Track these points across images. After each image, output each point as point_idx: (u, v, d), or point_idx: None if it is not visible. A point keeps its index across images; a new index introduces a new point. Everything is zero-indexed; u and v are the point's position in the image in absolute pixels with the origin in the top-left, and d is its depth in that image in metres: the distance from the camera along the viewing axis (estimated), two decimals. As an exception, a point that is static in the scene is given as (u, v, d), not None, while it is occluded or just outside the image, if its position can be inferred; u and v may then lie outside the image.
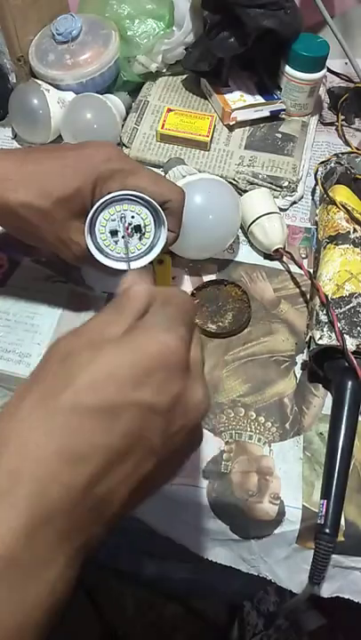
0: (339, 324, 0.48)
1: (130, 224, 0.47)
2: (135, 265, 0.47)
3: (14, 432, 0.24)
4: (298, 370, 0.52)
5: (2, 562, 0.22)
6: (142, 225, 0.47)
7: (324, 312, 0.49)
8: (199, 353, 0.31)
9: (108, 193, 0.45)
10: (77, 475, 0.24)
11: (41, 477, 0.23)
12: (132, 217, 0.47)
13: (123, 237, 0.47)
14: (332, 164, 0.63)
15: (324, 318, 0.49)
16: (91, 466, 0.24)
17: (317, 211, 0.61)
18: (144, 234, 0.47)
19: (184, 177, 0.56)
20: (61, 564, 0.23)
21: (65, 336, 0.29)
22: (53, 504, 0.23)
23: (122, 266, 0.47)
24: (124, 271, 0.47)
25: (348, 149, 0.70)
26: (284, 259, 0.60)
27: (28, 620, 0.22)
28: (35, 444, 0.24)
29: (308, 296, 0.57)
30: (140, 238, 0.47)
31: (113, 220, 0.46)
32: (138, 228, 0.47)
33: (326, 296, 0.50)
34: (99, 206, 0.45)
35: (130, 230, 0.47)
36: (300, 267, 0.55)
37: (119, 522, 0.27)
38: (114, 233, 0.47)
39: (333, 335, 0.48)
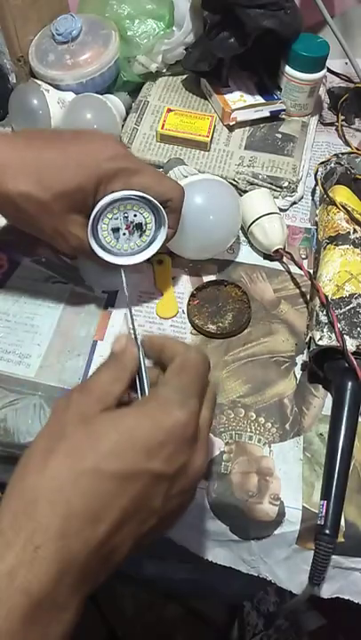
0: (339, 325, 0.48)
1: (132, 222, 0.48)
2: (135, 260, 0.49)
3: (44, 490, 0.27)
4: (298, 370, 0.52)
5: (33, 606, 0.25)
6: (144, 223, 0.48)
7: (325, 313, 0.49)
8: (208, 415, 0.34)
9: (112, 192, 0.45)
10: (95, 532, 0.27)
11: (67, 534, 0.26)
12: (135, 215, 0.48)
13: (124, 234, 0.48)
14: (333, 165, 0.63)
15: (324, 319, 0.49)
16: (106, 524, 0.27)
17: (317, 211, 0.61)
18: (144, 231, 0.49)
19: (185, 177, 0.56)
20: (75, 608, 0.27)
21: (75, 393, 0.32)
22: (74, 558, 0.26)
23: (122, 261, 0.48)
24: (124, 266, 0.49)
25: (348, 149, 0.70)
26: (284, 259, 0.60)
27: None
28: (63, 502, 0.27)
29: (309, 297, 0.57)
30: (140, 235, 0.49)
31: (116, 219, 0.47)
32: (139, 226, 0.48)
33: (326, 297, 0.50)
34: (102, 206, 0.46)
35: (131, 228, 0.48)
36: (301, 267, 0.55)
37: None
38: (115, 230, 0.48)
39: (333, 336, 0.48)
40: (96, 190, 0.45)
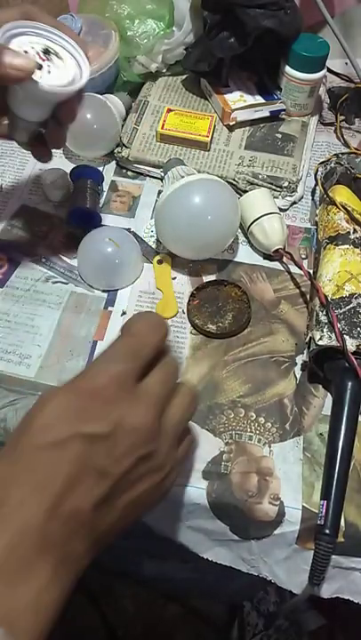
0: (339, 325, 0.48)
1: (37, 52, 0.43)
2: (68, 89, 0.43)
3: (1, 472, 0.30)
4: (298, 370, 0.52)
5: None
6: (52, 50, 0.43)
7: (324, 313, 0.49)
8: (159, 379, 0.34)
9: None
10: (43, 498, 0.28)
11: (18, 503, 0.28)
12: (32, 46, 0.43)
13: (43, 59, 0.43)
14: (333, 165, 0.63)
15: (324, 319, 0.49)
16: (52, 489, 0.29)
17: (317, 211, 0.61)
18: (62, 58, 0.44)
19: (182, 177, 0.56)
20: (44, 577, 0.28)
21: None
22: (27, 522, 0.28)
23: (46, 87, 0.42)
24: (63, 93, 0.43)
25: (349, 149, 0.70)
26: (284, 259, 0.60)
27: (18, 619, 0.26)
28: (10, 478, 0.29)
29: (309, 297, 0.57)
30: (57, 63, 0.43)
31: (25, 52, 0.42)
32: (48, 52, 0.43)
33: (326, 297, 0.50)
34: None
35: (42, 54, 0.43)
36: (300, 267, 0.55)
37: (103, 544, 0.31)
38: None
39: (333, 336, 0.48)
40: None
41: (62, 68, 0.43)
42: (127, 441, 0.31)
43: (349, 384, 0.47)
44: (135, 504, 0.32)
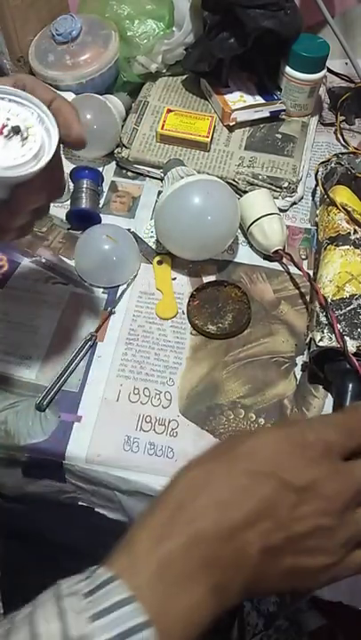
0: (339, 326, 0.48)
1: (5, 125, 0.38)
2: (18, 172, 0.37)
3: (202, 481, 0.30)
4: (298, 371, 0.52)
5: (162, 567, 0.27)
6: (23, 127, 0.39)
7: (325, 314, 0.49)
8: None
9: None
10: (223, 517, 0.28)
11: (201, 509, 0.29)
12: (8, 119, 0.39)
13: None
14: (333, 165, 0.63)
15: (324, 320, 0.49)
16: (234, 514, 0.28)
17: (318, 211, 0.61)
18: (26, 137, 0.39)
19: (182, 178, 0.56)
20: (199, 594, 0.27)
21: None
22: (203, 532, 0.28)
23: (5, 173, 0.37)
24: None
25: (349, 149, 0.70)
26: (284, 260, 0.60)
27: (170, 626, 0.26)
28: (206, 482, 0.30)
29: (309, 297, 0.57)
30: (22, 143, 0.38)
31: None
32: (16, 130, 0.38)
33: (325, 298, 0.50)
34: None
35: (7, 132, 0.38)
36: (300, 268, 0.55)
37: (251, 592, 0.30)
38: None
39: (334, 337, 0.47)
40: None
41: (26, 147, 0.38)
42: (314, 504, 0.30)
43: (350, 385, 0.47)
44: (296, 573, 0.31)
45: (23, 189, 0.37)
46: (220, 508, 0.29)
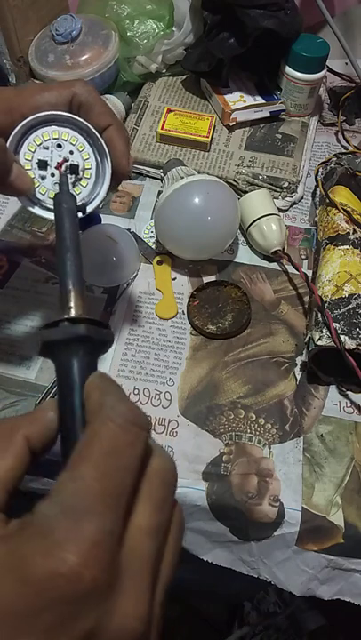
0: (338, 325, 0.48)
1: (66, 160, 0.36)
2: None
3: None
4: (298, 371, 0.52)
5: None
6: (81, 167, 0.36)
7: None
8: (149, 539, 0.21)
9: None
10: None
11: None
12: (71, 152, 0.37)
13: (52, 175, 0.37)
14: (333, 165, 0.63)
15: (322, 319, 0.49)
16: None
17: (317, 211, 0.61)
18: (80, 179, 0.37)
19: (182, 178, 0.56)
20: None
21: None
22: None
23: (45, 214, 0.37)
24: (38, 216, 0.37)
25: (349, 149, 0.70)
26: (283, 260, 0.60)
27: None
28: None
29: (308, 297, 0.57)
30: (73, 183, 0.37)
31: (45, 148, 0.36)
32: (74, 169, 0.36)
33: (321, 298, 0.50)
34: (23, 127, 0.36)
35: (64, 169, 0.36)
36: (298, 269, 0.55)
37: None
38: (43, 165, 0.36)
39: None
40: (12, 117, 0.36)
41: (75, 190, 0.37)
42: None
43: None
44: None
45: None
46: None
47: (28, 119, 0.35)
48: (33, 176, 0.36)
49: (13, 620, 0.18)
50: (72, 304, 0.29)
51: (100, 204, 0.37)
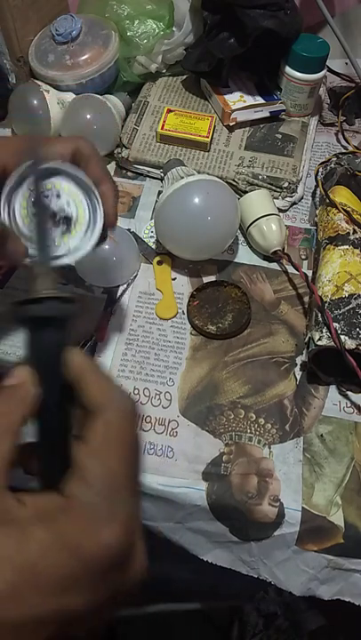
0: (338, 325, 0.48)
1: (60, 210, 0.38)
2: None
3: None
4: (298, 371, 0.52)
5: None
6: (74, 219, 0.38)
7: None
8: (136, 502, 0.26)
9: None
10: None
11: None
12: (68, 204, 0.38)
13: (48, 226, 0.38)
14: (333, 165, 0.63)
15: (322, 319, 0.49)
16: None
17: (317, 211, 0.61)
18: (70, 231, 0.39)
19: (182, 178, 0.56)
20: None
21: None
22: None
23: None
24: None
25: (349, 149, 0.70)
26: (283, 261, 0.60)
27: None
28: None
29: (308, 297, 0.57)
30: (63, 233, 0.39)
31: (46, 197, 0.38)
32: (67, 221, 0.38)
33: (321, 299, 0.50)
34: (20, 174, 0.37)
35: (57, 220, 0.38)
36: (298, 269, 0.55)
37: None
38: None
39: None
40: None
41: (64, 239, 0.38)
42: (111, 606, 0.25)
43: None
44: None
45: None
46: None
47: (36, 167, 0.37)
48: (27, 221, 0.37)
49: (62, 587, 0.22)
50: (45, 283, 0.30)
51: (85, 254, 0.39)
